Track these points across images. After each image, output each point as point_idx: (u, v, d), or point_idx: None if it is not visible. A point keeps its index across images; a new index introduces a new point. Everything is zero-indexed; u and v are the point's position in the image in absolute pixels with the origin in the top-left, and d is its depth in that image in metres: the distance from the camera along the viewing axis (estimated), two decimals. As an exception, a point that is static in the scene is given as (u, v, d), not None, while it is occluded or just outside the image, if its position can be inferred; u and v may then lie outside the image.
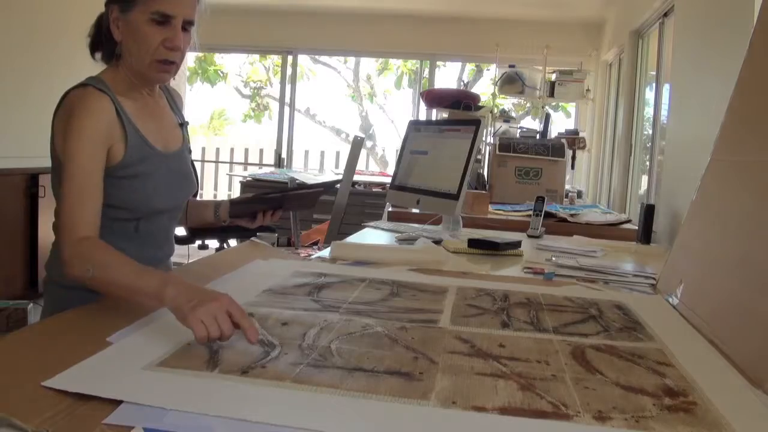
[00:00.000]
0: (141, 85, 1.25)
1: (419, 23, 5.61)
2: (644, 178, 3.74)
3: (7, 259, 3.80)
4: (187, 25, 1.19)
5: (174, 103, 1.40)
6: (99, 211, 1.12)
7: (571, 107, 6.67)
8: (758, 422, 0.71)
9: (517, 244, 1.79)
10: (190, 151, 1.42)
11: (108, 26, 1.19)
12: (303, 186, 1.77)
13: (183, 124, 1.40)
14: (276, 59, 7.71)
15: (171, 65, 1.21)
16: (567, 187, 3.61)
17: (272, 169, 6.01)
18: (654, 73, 3.60)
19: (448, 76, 7.85)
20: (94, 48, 1.26)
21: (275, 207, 1.48)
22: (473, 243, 1.77)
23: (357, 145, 3.66)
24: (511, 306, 1.15)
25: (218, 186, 7.88)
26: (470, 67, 7.83)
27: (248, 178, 5.22)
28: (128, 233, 1.22)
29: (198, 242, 4.04)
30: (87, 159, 1.12)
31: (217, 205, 1.46)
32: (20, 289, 3.85)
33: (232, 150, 7.88)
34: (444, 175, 2.06)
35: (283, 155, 6.14)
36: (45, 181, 3.91)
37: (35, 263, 3.96)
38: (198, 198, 1.52)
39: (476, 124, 2.05)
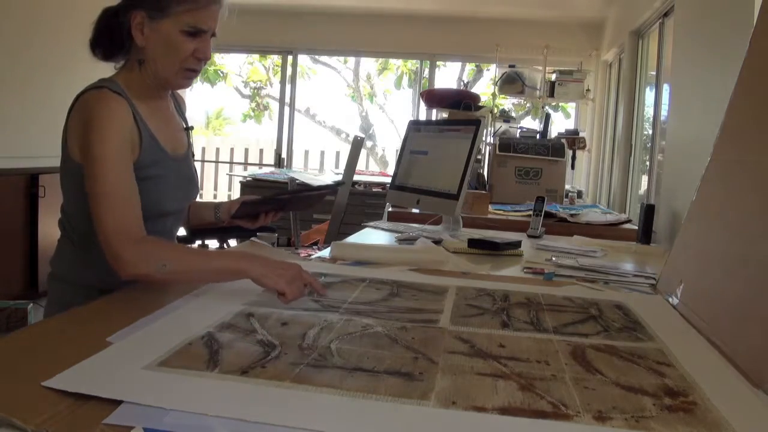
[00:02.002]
0: (158, 89, 1.27)
1: (419, 23, 5.61)
2: (644, 178, 3.75)
3: (7, 259, 3.80)
4: (212, 36, 1.24)
5: (179, 107, 1.42)
6: (140, 210, 1.15)
7: (571, 107, 6.67)
8: (758, 422, 0.71)
9: (517, 244, 1.79)
10: (193, 155, 1.44)
11: (128, 29, 1.19)
12: (310, 188, 1.79)
13: (187, 129, 1.41)
14: (276, 59, 7.71)
15: (196, 73, 1.26)
16: (567, 187, 3.61)
17: (272, 169, 6.01)
18: (654, 73, 3.60)
19: (448, 76, 7.86)
20: (96, 44, 1.26)
21: (279, 208, 1.48)
22: (473, 243, 1.77)
23: (357, 145, 3.66)
24: (511, 306, 1.15)
25: (218, 186, 7.88)
26: (470, 67, 7.83)
27: (248, 178, 5.22)
28: None
29: (198, 242, 4.04)
30: (119, 161, 1.13)
31: (216, 206, 1.48)
32: (20, 289, 3.85)
33: (232, 150, 7.89)
34: (444, 175, 2.06)
35: (283, 155, 6.15)
36: (45, 181, 3.91)
37: (35, 263, 3.96)
38: (198, 199, 1.54)
39: (476, 124, 2.05)
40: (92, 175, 1.11)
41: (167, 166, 1.27)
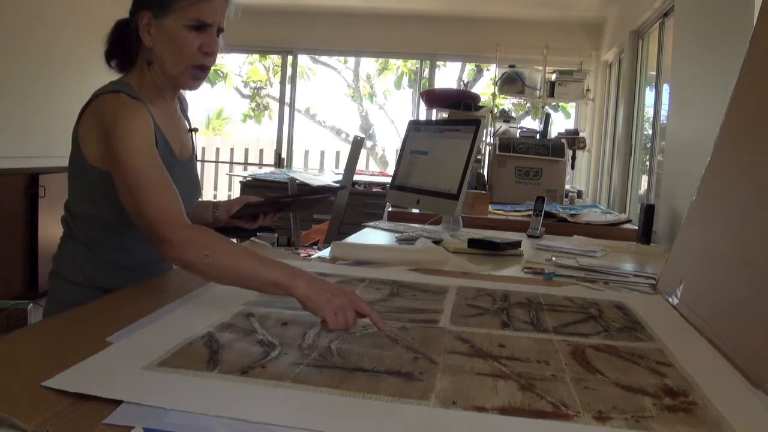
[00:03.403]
0: (168, 91, 1.27)
1: (419, 23, 5.61)
2: (644, 178, 3.75)
3: (7, 259, 3.80)
4: (219, 31, 1.22)
5: (183, 109, 1.41)
6: (181, 199, 1.11)
7: (571, 107, 6.67)
8: (758, 422, 0.71)
9: (517, 244, 1.79)
10: (196, 157, 1.44)
11: (136, 32, 1.20)
12: (312, 190, 1.79)
13: (191, 131, 1.41)
14: (276, 59, 7.71)
15: (204, 71, 1.24)
16: (567, 187, 3.61)
17: (272, 169, 6.01)
18: (654, 73, 3.60)
19: (448, 76, 7.86)
20: (111, 55, 1.27)
21: (276, 210, 1.48)
22: (473, 243, 1.77)
23: (357, 145, 3.66)
24: (511, 306, 1.15)
25: (218, 186, 7.88)
26: (470, 67, 7.83)
27: (248, 178, 5.22)
28: (140, 235, 1.22)
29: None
30: (150, 154, 1.12)
31: (215, 205, 1.48)
32: (20, 289, 3.85)
33: (232, 150, 7.89)
34: (444, 175, 2.06)
35: (283, 155, 6.15)
36: (45, 181, 3.91)
37: (35, 263, 3.96)
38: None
39: (476, 124, 2.05)
40: (125, 172, 1.09)
41: (175, 171, 1.26)
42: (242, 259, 1.01)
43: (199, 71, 1.23)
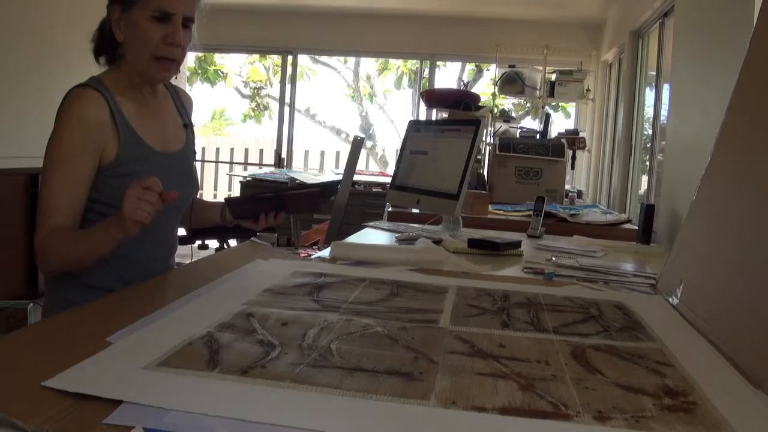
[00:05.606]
0: (142, 84, 1.27)
1: (419, 23, 5.61)
2: (644, 178, 3.75)
3: (7, 259, 3.80)
4: (187, 21, 1.22)
5: (181, 104, 1.41)
6: (70, 209, 1.18)
7: (571, 107, 6.68)
8: (758, 422, 0.71)
9: (517, 244, 1.79)
10: (194, 153, 1.44)
11: (110, 28, 1.21)
12: (300, 186, 1.77)
13: (187, 126, 1.41)
14: (276, 59, 7.71)
15: (171, 63, 1.24)
16: (567, 187, 3.61)
17: (272, 169, 6.01)
18: (654, 73, 3.60)
19: (448, 76, 7.86)
20: (98, 53, 1.29)
21: (276, 208, 1.48)
22: (473, 243, 1.77)
23: (357, 145, 3.66)
24: (511, 306, 1.15)
25: (218, 186, 7.88)
26: (470, 67, 7.83)
27: (248, 178, 5.22)
28: (137, 234, 1.23)
29: (198, 242, 4.04)
30: (68, 161, 1.17)
31: (223, 206, 1.48)
32: (20, 289, 3.85)
33: (232, 150, 7.89)
34: (444, 175, 2.06)
35: (283, 155, 6.15)
36: (45, 181, 3.91)
37: (35, 263, 3.95)
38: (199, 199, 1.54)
39: (476, 124, 2.05)
40: (43, 171, 1.17)
41: (155, 163, 1.27)
42: (80, 243, 1.14)
43: (165, 62, 1.23)
